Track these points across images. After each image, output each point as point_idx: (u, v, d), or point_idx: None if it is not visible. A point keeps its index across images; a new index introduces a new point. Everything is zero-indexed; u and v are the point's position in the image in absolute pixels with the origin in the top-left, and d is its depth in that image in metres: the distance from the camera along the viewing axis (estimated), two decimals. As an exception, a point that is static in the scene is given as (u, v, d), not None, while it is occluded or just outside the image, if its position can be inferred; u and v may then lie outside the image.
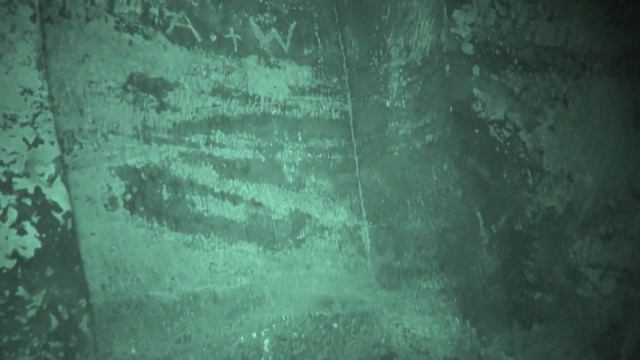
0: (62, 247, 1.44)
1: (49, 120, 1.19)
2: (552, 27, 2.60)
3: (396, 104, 2.36)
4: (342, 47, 2.68)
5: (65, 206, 1.33)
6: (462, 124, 2.10)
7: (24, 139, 1.15)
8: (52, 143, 1.20)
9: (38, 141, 1.20)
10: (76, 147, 1.82)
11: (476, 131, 2.11)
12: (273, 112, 2.40)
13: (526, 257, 2.13)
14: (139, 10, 2.05)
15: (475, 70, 2.16)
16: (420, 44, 2.20)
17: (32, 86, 1.13)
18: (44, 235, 1.27)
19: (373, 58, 2.47)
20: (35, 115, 1.17)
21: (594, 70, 2.65)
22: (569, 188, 2.35)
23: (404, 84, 2.30)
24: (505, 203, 2.12)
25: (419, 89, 2.23)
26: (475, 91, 2.15)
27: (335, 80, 2.64)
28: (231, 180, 2.24)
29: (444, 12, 2.09)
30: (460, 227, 2.12)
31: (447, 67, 2.09)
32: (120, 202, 1.93)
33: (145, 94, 2.03)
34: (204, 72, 2.21)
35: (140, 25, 2.04)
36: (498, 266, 2.06)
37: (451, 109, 2.10)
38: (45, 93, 1.17)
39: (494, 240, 2.06)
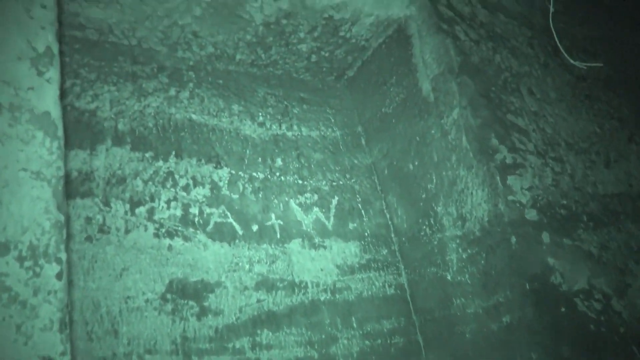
0: None
1: (71, 395, 1.00)
2: (611, 173, 2.41)
3: (459, 278, 2.10)
4: (387, 216, 2.54)
5: None
6: (543, 302, 1.81)
7: None
8: None
9: None
10: (109, 377, 1.61)
11: (562, 309, 1.80)
12: (322, 298, 2.18)
13: None
14: (178, 212, 1.99)
15: (545, 237, 1.93)
16: (475, 213, 2.02)
17: (53, 353, 0.96)
18: None
19: (424, 227, 2.30)
20: (55, 393, 0.99)
21: (671, 210, 2.38)
22: (688, 360, 1.92)
23: (464, 256, 2.08)
24: (620, 398, 1.71)
25: (482, 262, 2.00)
26: (550, 261, 1.89)
27: (385, 251, 2.45)
28: (282, 389, 1.94)
29: (498, 181, 1.94)
30: None
31: (513, 239, 1.87)
32: None
33: (185, 301, 1.87)
34: (247, 266, 2.06)
35: (180, 228, 1.97)
36: None
37: (527, 285, 1.83)
38: (67, 358, 0.99)
39: None
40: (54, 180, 1.04)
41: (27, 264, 1.00)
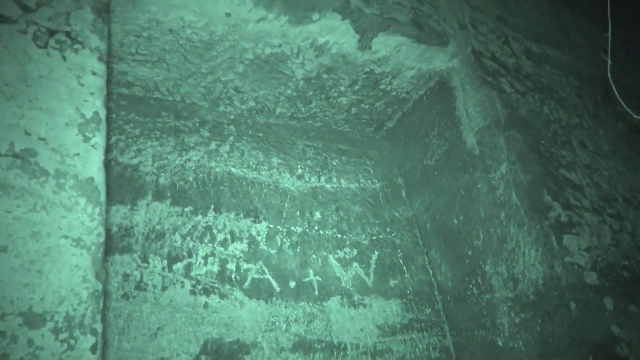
0: None
1: None
2: (676, 230, 2.22)
3: (511, 345, 1.94)
4: (430, 272, 2.42)
5: None
6: (610, 377, 1.63)
7: None
8: None
9: None
10: None
11: (633, 387, 1.62)
12: (363, 362, 2.05)
13: None
14: (215, 268, 1.95)
15: (608, 303, 1.77)
16: (529, 275, 1.88)
17: None
18: None
19: (470, 286, 2.16)
20: None
21: None
22: None
23: (517, 321, 1.93)
24: None
25: (538, 328, 1.84)
26: (615, 329, 1.72)
27: (428, 311, 2.31)
28: None
29: (553, 240, 1.81)
30: None
31: (573, 305, 1.72)
32: None
33: (220, 364, 1.79)
34: (284, 326, 1.97)
35: (216, 285, 1.92)
36: None
37: (590, 357, 1.66)
38: None
39: None
40: (94, 248, 1.01)
41: (62, 336, 0.96)
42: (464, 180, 2.21)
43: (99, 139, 1.05)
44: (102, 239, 1.03)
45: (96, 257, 1.02)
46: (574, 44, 2.74)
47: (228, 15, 1.80)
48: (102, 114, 1.09)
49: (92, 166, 1.02)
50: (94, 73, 1.09)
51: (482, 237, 2.10)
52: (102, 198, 1.04)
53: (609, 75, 1.96)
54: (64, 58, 1.07)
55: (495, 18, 2.44)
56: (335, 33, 1.98)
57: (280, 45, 1.99)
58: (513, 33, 2.44)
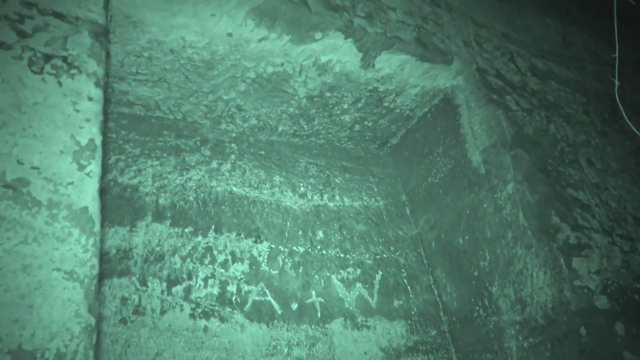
0: None
1: None
2: (688, 250, 2.16)
3: (519, 371, 1.88)
4: (435, 292, 2.36)
5: None
6: (623, 407, 1.57)
7: None
8: None
9: None
10: None
11: (647, 417, 1.56)
12: (367, 387, 2.00)
13: None
14: (216, 291, 1.91)
15: (619, 328, 1.71)
16: (537, 298, 1.83)
17: None
18: None
19: (477, 308, 2.11)
20: None
21: None
22: None
23: (525, 345, 1.87)
24: None
25: (547, 353, 1.78)
26: (627, 355, 1.67)
27: (434, 332, 2.25)
28: None
29: (562, 263, 1.77)
30: None
31: (583, 330, 1.67)
32: None
33: (220, 390, 1.74)
34: (285, 350, 1.92)
35: (216, 308, 1.88)
36: None
37: (603, 386, 1.60)
38: None
39: None
40: (87, 281, 0.98)
41: (52, 374, 0.92)
42: (469, 199, 2.17)
43: (94, 166, 1.03)
44: (95, 271, 0.99)
45: (89, 290, 0.99)
46: (580, 60, 2.71)
47: (230, 35, 1.78)
48: (98, 140, 1.06)
49: (87, 195, 0.99)
50: (90, 99, 1.07)
51: (488, 257, 2.06)
52: (97, 228, 1.01)
53: (617, 96, 1.93)
54: (60, 84, 1.04)
55: (500, 35, 2.42)
56: (338, 52, 1.96)
57: (282, 64, 1.97)
58: (518, 49, 2.41)
